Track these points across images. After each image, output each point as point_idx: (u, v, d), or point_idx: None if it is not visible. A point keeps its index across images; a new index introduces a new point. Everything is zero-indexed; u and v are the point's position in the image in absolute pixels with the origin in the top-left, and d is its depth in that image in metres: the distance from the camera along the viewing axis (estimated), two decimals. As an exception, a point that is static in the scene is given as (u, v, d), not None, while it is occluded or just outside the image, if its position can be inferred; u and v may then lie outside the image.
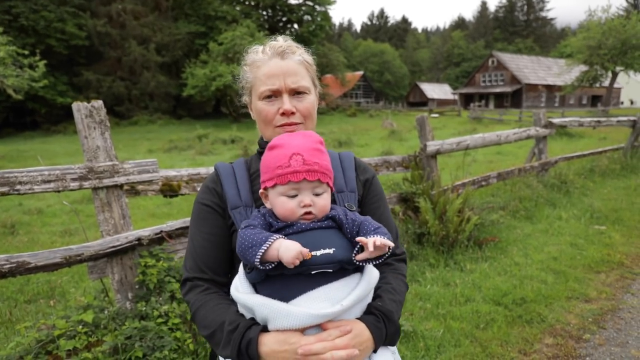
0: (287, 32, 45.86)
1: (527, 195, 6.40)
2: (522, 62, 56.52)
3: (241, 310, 1.06)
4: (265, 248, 0.93)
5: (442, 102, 64.08)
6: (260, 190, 1.08)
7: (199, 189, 1.32)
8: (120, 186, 2.71)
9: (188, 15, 41.20)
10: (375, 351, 1.04)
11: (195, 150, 16.70)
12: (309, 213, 1.02)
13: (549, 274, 4.07)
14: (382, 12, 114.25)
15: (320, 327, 0.96)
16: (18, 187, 2.34)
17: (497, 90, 54.33)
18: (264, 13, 45.96)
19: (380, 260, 1.00)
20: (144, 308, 2.61)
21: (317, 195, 1.03)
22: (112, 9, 38.71)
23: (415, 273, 4.09)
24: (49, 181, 2.44)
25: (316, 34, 45.17)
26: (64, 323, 2.42)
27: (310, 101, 1.21)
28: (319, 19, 45.61)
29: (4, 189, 2.30)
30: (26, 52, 18.23)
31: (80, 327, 2.44)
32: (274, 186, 1.03)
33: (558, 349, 2.90)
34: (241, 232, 1.00)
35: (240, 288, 1.03)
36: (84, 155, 2.61)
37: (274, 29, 44.48)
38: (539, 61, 58.81)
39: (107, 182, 2.61)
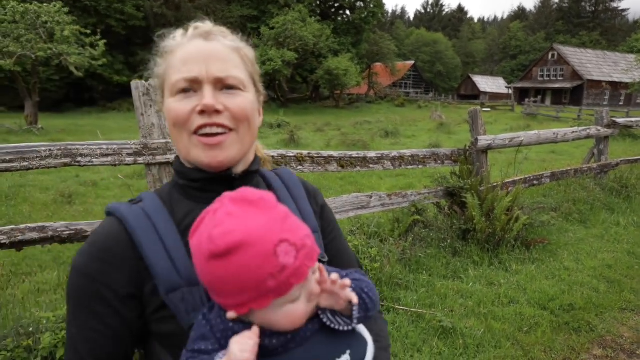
0: (339, 18, 45.49)
1: (583, 197, 6.07)
2: (585, 56, 53.26)
3: None
4: None
5: (494, 96, 61.72)
6: (234, 315, 0.68)
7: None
8: (172, 163, 2.79)
9: (241, -1, 41.74)
10: None
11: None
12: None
13: (602, 282, 3.86)
14: (437, 0, 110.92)
15: None
16: (79, 159, 2.46)
17: (556, 85, 51.58)
18: (317, -2, 45.76)
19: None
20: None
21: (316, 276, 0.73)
22: (169, -9, 39.81)
23: (458, 269, 3.99)
24: (107, 155, 2.55)
25: (368, 21, 44.49)
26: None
27: (247, 100, 0.83)
28: (371, 5, 44.83)
29: (67, 160, 2.43)
30: (88, 32, 19.11)
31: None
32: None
33: (608, 361, 2.75)
34: None
35: None
36: (140, 131, 2.70)
37: (325, 15, 44.22)
38: (605, 56, 55.19)
39: (160, 159, 2.69)
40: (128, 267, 0.76)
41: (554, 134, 6.07)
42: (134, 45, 39.10)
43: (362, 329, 0.81)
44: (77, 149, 2.44)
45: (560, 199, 6.02)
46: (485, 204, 4.47)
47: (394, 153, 4.28)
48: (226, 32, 0.88)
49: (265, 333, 0.69)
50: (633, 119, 8.07)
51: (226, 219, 0.64)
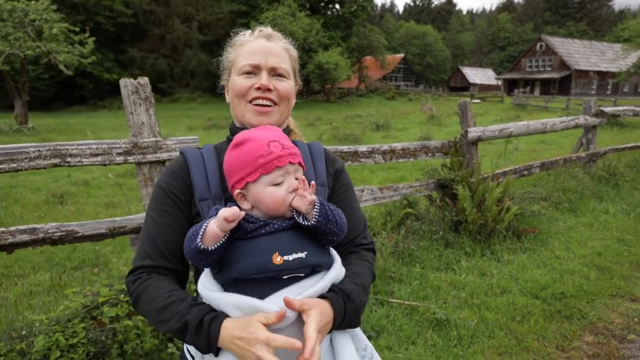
0: (329, 12, 45.29)
1: (572, 186, 6.14)
2: (572, 46, 53.57)
3: (214, 305, 0.99)
4: (204, 228, 0.92)
5: (484, 88, 61.95)
6: (237, 192, 1.00)
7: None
8: (163, 162, 2.78)
9: (230, -6, 41.40)
10: (334, 329, 1.00)
11: (233, 129, 16.93)
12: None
13: (592, 269, 3.91)
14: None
15: (292, 324, 0.92)
16: (69, 159, 2.44)
17: (544, 76, 51.88)
18: (306, -8, 45.47)
19: (315, 217, 0.96)
20: (182, 281, 2.70)
21: (297, 179, 0.99)
22: (157, -13, 39.41)
23: (451, 261, 4.02)
24: (97, 154, 2.53)
25: (357, 14, 44.36)
26: (107, 291, 2.54)
27: (289, 85, 1.18)
28: (360, -1, 44.72)
29: (56, 161, 2.41)
30: (77, 29, 18.90)
31: (122, 295, 2.55)
32: (257, 179, 0.96)
33: (599, 347, 2.80)
34: (189, 230, 0.98)
35: (207, 285, 0.97)
36: (130, 130, 2.69)
37: (315, 9, 44.01)
38: (592, 46, 55.55)
39: (150, 157, 2.68)
40: (184, 182, 1.11)
41: (543, 124, 6.12)
42: (124, 43, 38.73)
43: (335, 254, 1.06)
44: (66, 149, 2.42)
45: (550, 188, 6.09)
46: (476, 195, 4.50)
47: (385, 147, 4.29)
48: (281, 36, 1.24)
49: (246, 218, 0.95)
50: (620, 108, 8.16)
51: (247, 131, 1.05)
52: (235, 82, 1.16)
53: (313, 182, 0.98)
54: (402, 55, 64.81)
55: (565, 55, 50.99)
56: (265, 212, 0.98)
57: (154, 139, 2.70)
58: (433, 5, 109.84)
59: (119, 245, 4.64)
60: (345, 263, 1.12)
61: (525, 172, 5.80)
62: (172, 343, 2.42)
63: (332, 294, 1.00)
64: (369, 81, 50.30)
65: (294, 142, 1.18)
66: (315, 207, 0.96)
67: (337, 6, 45.44)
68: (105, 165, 2.60)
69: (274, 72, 1.15)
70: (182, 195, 1.10)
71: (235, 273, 0.93)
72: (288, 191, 0.96)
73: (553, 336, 2.90)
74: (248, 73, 1.14)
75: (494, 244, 4.35)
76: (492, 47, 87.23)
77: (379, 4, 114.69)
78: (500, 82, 58.69)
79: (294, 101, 1.23)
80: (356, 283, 1.07)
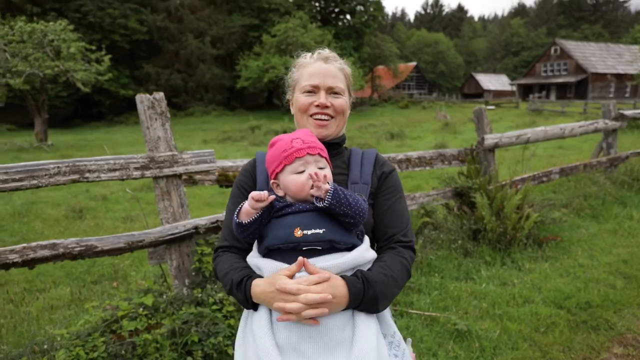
0: (340, 23, 45.61)
1: (593, 192, 6.00)
2: (588, 49, 52.84)
3: (254, 269, 1.24)
4: (240, 207, 1.18)
5: (498, 94, 61.41)
6: (272, 181, 1.24)
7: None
8: (179, 176, 2.80)
9: (242, 8, 42.02)
10: (350, 308, 1.13)
11: (248, 141, 17.07)
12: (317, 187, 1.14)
13: (618, 277, 3.80)
14: (436, 0, 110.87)
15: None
16: (87, 175, 2.47)
17: (560, 80, 51.20)
18: (317, 4, 45.93)
19: (328, 199, 1.12)
20: (199, 295, 2.70)
21: (320, 169, 1.18)
22: (170, 4, 40.26)
23: (470, 271, 3.95)
24: (114, 170, 2.56)
25: (369, 24, 44.58)
26: (126, 305, 2.55)
27: (344, 100, 1.39)
28: (371, 9, 44.93)
29: (75, 177, 2.44)
30: (93, 48, 19.36)
31: (141, 309, 2.56)
32: (283, 169, 1.19)
33: (629, 359, 2.70)
34: None
35: (252, 254, 1.25)
36: (146, 145, 2.71)
37: (326, 20, 44.40)
38: (608, 48, 54.71)
39: (167, 171, 2.70)
40: (251, 178, 1.39)
41: (561, 129, 6.02)
42: (139, 59, 39.51)
43: (366, 240, 1.23)
44: (84, 165, 2.46)
45: (570, 194, 5.96)
46: (495, 203, 4.43)
47: (401, 155, 4.26)
48: (337, 58, 1.43)
49: (277, 199, 1.17)
50: (641, 111, 7.97)
51: (281, 135, 1.26)
52: (298, 99, 1.38)
53: (327, 174, 1.17)
54: (414, 63, 64.76)
55: (580, 58, 50.30)
56: (292, 196, 1.19)
57: (170, 153, 2.72)
58: (444, 13, 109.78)
59: (137, 259, 4.68)
60: (380, 257, 1.26)
61: (544, 179, 5.70)
62: (191, 357, 2.41)
63: (352, 277, 1.13)
64: (382, 90, 50.29)
65: (350, 150, 1.45)
66: (329, 193, 1.11)
67: (348, 17, 45.75)
68: (122, 180, 2.63)
69: (331, 91, 1.36)
70: (250, 188, 1.36)
71: (267, 243, 1.17)
72: (308, 178, 1.14)
73: (579, 348, 2.81)
74: (309, 92, 1.35)
75: (515, 253, 4.27)
76: (506, 53, 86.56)
77: (390, 13, 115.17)
78: (514, 88, 58.10)
79: (348, 112, 1.43)
80: (385, 274, 1.18)
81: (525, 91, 54.40)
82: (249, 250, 1.31)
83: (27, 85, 18.17)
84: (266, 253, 1.19)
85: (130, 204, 7.56)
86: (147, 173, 2.66)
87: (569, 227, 5.04)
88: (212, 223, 2.88)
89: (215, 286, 2.76)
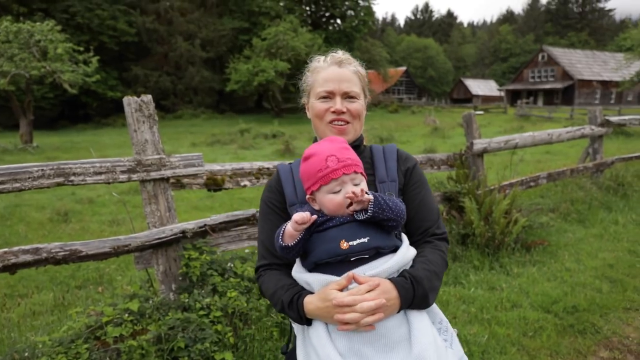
0: (330, 27, 45.76)
1: (580, 197, 6.07)
2: (574, 56, 53.70)
3: (303, 284, 1.25)
4: (283, 230, 1.19)
5: (487, 99, 62.03)
6: (307, 196, 1.24)
7: (244, 183, 1.52)
8: (167, 179, 2.76)
9: (232, 12, 41.93)
10: (403, 309, 1.16)
11: (237, 145, 17.00)
12: (352, 204, 1.15)
13: (604, 282, 3.83)
14: (426, 6, 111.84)
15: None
16: (72, 178, 2.43)
17: (547, 86, 51.93)
18: (307, 8, 46.05)
19: (370, 211, 1.13)
20: (186, 300, 2.66)
21: (356, 185, 1.18)
22: (160, 6, 40.00)
23: (459, 275, 3.96)
24: (100, 173, 2.51)
25: (359, 29, 44.81)
26: (111, 310, 2.50)
27: (360, 104, 1.38)
28: (362, 14, 45.18)
29: (60, 180, 2.39)
30: (81, 49, 19.15)
31: (127, 315, 2.51)
32: (319, 188, 1.18)
33: (614, 363, 2.72)
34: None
35: (297, 269, 1.25)
36: (133, 148, 2.67)
37: (316, 25, 44.51)
38: (594, 55, 55.67)
39: (154, 175, 2.66)
40: (279, 193, 1.38)
41: (549, 134, 6.08)
42: (127, 61, 39.17)
43: (404, 239, 1.26)
44: (69, 168, 2.41)
45: (557, 199, 6.02)
46: (483, 208, 4.45)
47: (390, 160, 4.26)
48: (351, 60, 1.41)
49: (319, 215, 1.18)
50: (626, 117, 8.11)
51: (314, 145, 1.26)
52: (314, 106, 1.38)
53: (363, 188, 1.17)
54: (404, 68, 65.15)
55: (567, 65, 51.09)
56: (328, 213, 1.19)
57: (157, 156, 2.69)
58: (434, 19, 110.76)
59: (123, 263, 4.61)
60: (420, 252, 1.28)
61: (532, 184, 5.75)
62: (177, 364, 2.36)
63: (400, 278, 1.16)
64: (372, 95, 50.35)
65: (370, 147, 1.46)
66: (370, 203, 1.13)
67: (339, 21, 45.95)
68: (109, 183, 2.58)
69: (346, 96, 1.35)
70: (279, 204, 1.37)
71: (313, 258, 1.17)
72: (345, 197, 1.15)
73: (567, 352, 2.83)
74: (324, 97, 1.35)
75: (503, 257, 4.29)
76: (494, 59, 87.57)
77: (380, 18, 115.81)
78: (503, 93, 58.77)
79: (365, 114, 1.43)
80: (428, 270, 1.21)
81: (514, 97, 55.04)
82: (289, 264, 1.32)
83: (13, 85, 17.90)
84: (313, 267, 1.20)
85: (116, 208, 7.46)
86: (134, 176, 2.62)
87: (556, 231, 5.09)
88: (200, 227, 2.85)
89: (203, 291, 2.73)
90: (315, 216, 1.16)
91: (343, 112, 1.34)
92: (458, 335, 2.89)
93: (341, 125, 1.35)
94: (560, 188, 6.42)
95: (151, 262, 2.81)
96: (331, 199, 1.17)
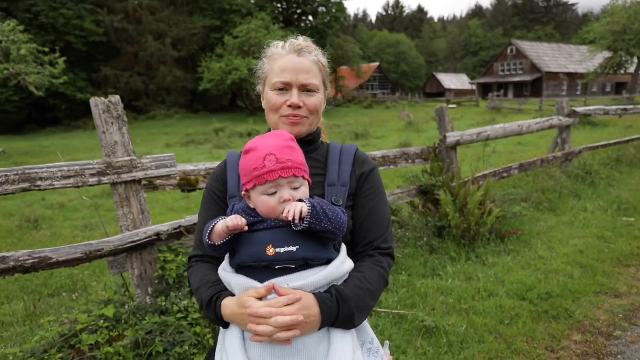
0: (302, 24, 45.63)
1: (551, 186, 6.24)
2: (542, 50, 55.14)
3: (225, 284, 1.18)
4: (211, 227, 1.11)
5: (459, 93, 63.07)
6: (243, 193, 1.16)
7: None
8: (139, 181, 2.70)
9: (203, 10, 41.30)
10: (326, 327, 1.09)
11: (212, 144, 16.79)
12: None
13: (576, 268, 3.95)
14: (397, 2, 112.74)
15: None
16: (39, 183, 2.35)
17: (517, 79, 53.19)
18: (279, 5, 45.75)
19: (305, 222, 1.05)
20: (163, 303, 2.61)
21: (295, 189, 1.10)
22: (128, 5, 39.07)
23: (437, 267, 4.01)
24: (69, 177, 2.44)
25: (331, 25, 44.82)
26: (86, 318, 2.44)
27: (319, 99, 1.27)
28: (333, 10, 45.20)
29: (25, 185, 2.31)
30: (46, 50, 18.53)
31: (102, 321, 2.45)
32: (253, 188, 1.10)
33: (587, 346, 2.80)
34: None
35: (225, 267, 1.18)
36: (102, 150, 2.60)
37: (289, 22, 44.31)
38: (560, 49, 57.29)
39: (125, 177, 2.60)
40: (222, 182, 1.31)
41: (519, 126, 6.23)
42: (96, 62, 38.14)
43: (342, 251, 1.16)
44: (35, 172, 2.33)
45: (529, 189, 6.17)
46: (458, 200, 4.52)
47: (366, 155, 4.28)
48: (312, 48, 1.29)
49: (250, 215, 1.11)
50: (591, 108, 8.38)
51: (258, 138, 1.16)
52: (269, 98, 1.27)
53: (303, 194, 1.11)
54: (377, 64, 65.59)
55: (535, 58, 52.42)
56: (261, 215, 1.12)
57: (128, 158, 2.62)
58: (405, 14, 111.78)
59: (98, 268, 4.49)
60: (358, 266, 1.20)
61: (504, 175, 5.87)
62: (156, 369, 2.32)
63: (325, 294, 1.09)
64: (346, 91, 50.67)
65: (327, 146, 1.36)
66: (307, 213, 1.04)
67: (311, 18, 45.86)
68: (78, 187, 2.51)
69: (304, 88, 1.24)
70: (221, 194, 1.30)
71: (237, 260, 1.11)
72: (279, 201, 1.08)
73: (542, 337, 2.90)
74: (280, 89, 1.24)
75: (479, 248, 4.37)
76: (465, 53, 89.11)
77: (352, 15, 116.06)
78: (474, 87, 59.86)
79: (324, 108, 1.33)
80: (361, 287, 1.14)
81: (485, 90, 56.17)
82: (223, 259, 1.25)
83: (-26, 89, 17.23)
84: (239, 268, 1.13)
85: (89, 212, 7.27)
86: (105, 179, 2.55)
87: (529, 220, 5.21)
88: (175, 229, 2.80)
89: (180, 294, 2.68)
90: (246, 227, 1.08)
91: (300, 107, 1.23)
92: (435, 327, 2.94)
93: (296, 119, 1.24)
94: (531, 178, 6.58)
95: (126, 266, 2.74)
96: (264, 202, 1.09)
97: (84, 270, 4.44)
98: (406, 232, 4.47)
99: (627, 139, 9.19)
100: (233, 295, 1.13)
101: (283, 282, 1.06)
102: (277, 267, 1.07)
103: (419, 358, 2.69)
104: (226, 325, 1.13)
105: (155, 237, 2.70)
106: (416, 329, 2.99)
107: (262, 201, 1.09)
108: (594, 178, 6.85)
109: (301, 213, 1.04)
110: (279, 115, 1.25)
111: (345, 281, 1.14)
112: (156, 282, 2.75)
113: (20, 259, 2.30)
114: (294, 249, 1.06)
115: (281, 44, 1.29)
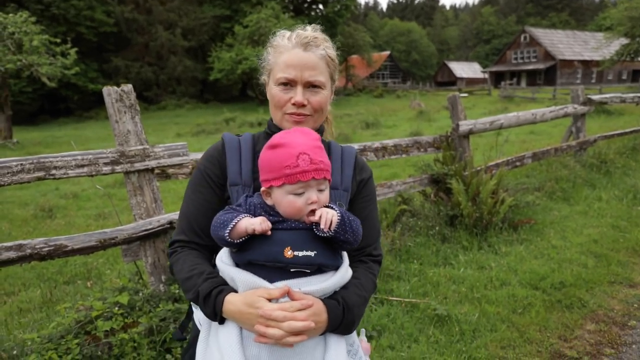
0: (312, 13, 45.26)
1: (564, 175, 6.15)
2: (556, 37, 54.05)
3: (226, 278, 1.13)
4: (234, 223, 1.04)
5: (471, 81, 62.30)
6: (263, 189, 1.11)
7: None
8: (152, 170, 2.72)
9: (213, -1, 41.16)
10: (327, 332, 1.09)
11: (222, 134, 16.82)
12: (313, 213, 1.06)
13: (590, 257, 3.91)
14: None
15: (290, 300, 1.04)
16: (53, 171, 2.37)
17: (530, 67, 52.30)
18: (289, -6, 45.39)
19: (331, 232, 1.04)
20: (177, 291, 2.64)
21: (320, 191, 1.08)
22: (138, -5, 39.08)
23: (448, 256, 4.00)
24: (82, 165, 2.46)
25: (341, 14, 44.36)
26: (101, 305, 2.47)
27: (324, 96, 1.24)
28: (344, -2, 44.71)
29: (40, 174, 2.33)
30: (58, 41, 18.62)
31: (117, 308, 2.49)
32: (281, 185, 1.05)
33: (601, 335, 2.78)
34: (218, 214, 1.10)
35: (225, 260, 1.11)
36: (115, 139, 2.62)
37: (299, 10, 43.95)
38: (575, 35, 56.10)
39: (138, 166, 2.62)
40: (219, 166, 1.23)
41: (533, 114, 6.13)
42: (107, 52, 38.32)
43: (345, 258, 1.16)
44: (50, 161, 2.35)
45: (542, 178, 6.10)
46: (471, 189, 4.48)
47: (377, 144, 4.26)
48: (319, 40, 1.23)
49: (268, 211, 1.08)
50: (607, 95, 8.21)
51: (285, 133, 1.11)
52: (273, 93, 1.23)
53: (326, 198, 1.09)
54: (388, 52, 65.00)
55: (549, 45, 51.43)
56: (283, 214, 1.08)
57: (141, 147, 2.64)
58: (416, 2, 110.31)
59: (112, 256, 4.55)
60: (354, 271, 1.19)
61: (517, 163, 5.80)
62: (170, 354, 2.35)
63: (333, 301, 1.08)
64: (357, 80, 50.34)
65: (329, 145, 1.32)
66: (337, 223, 1.04)
67: (321, 6, 45.42)
68: (92, 176, 2.53)
69: (310, 84, 1.20)
70: (217, 178, 1.22)
71: (250, 256, 1.06)
72: (306, 203, 1.05)
73: (555, 326, 2.88)
74: (284, 84, 1.21)
75: (491, 237, 4.34)
76: (477, 41, 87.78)
77: (363, 3, 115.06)
78: (486, 75, 59.06)
79: (329, 105, 1.30)
80: (359, 296, 1.15)
81: (497, 78, 55.34)
82: (210, 247, 1.20)
83: (-12, 80, 17.42)
84: (246, 264, 1.08)
85: (102, 201, 7.36)
86: (118, 168, 2.57)
87: (542, 210, 5.16)
88: (188, 217, 2.81)
89: (193, 281, 2.71)
90: (270, 232, 1.05)
91: (304, 105, 1.20)
92: (447, 316, 2.94)
93: (299, 117, 1.22)
94: (545, 167, 6.49)
95: (139, 254, 2.77)
96: (291, 202, 1.05)
97: (98, 259, 4.50)
98: (418, 221, 4.45)
99: (643, 127, 9.00)
100: (234, 291, 1.07)
101: (295, 285, 1.04)
102: (292, 270, 1.05)
103: (431, 346, 2.69)
104: (222, 321, 1.07)
105: (168, 226, 2.72)
106: (428, 317, 2.99)
107: (289, 201, 1.05)
108: (609, 167, 6.74)
109: (329, 220, 1.03)
110: (283, 113, 1.22)
111: (345, 287, 1.14)
112: (169, 269, 2.78)
113: (37, 246, 2.33)
114: (311, 253, 1.04)
115: (288, 34, 1.25)
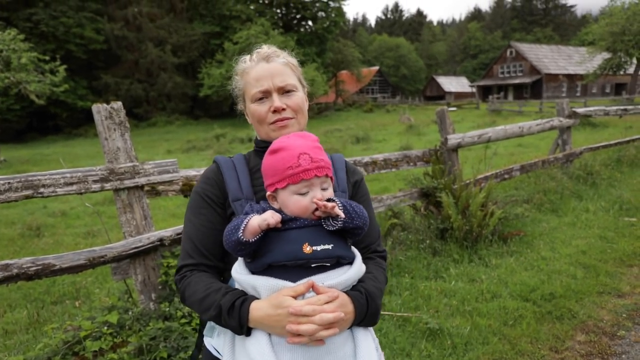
0: (302, 29, 45.79)
1: (552, 187, 6.23)
2: (541, 51, 55.22)
3: (246, 287, 1.13)
4: (246, 222, 1.05)
5: (459, 95, 63.15)
6: (268, 193, 1.14)
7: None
8: (141, 187, 2.71)
9: (203, 16, 41.53)
10: (354, 325, 1.11)
11: (213, 150, 16.83)
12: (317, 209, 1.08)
13: (578, 268, 3.94)
14: (396, 5, 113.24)
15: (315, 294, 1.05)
16: (41, 190, 2.36)
17: (516, 81, 53.24)
18: (278, 11, 45.95)
19: (337, 223, 1.07)
20: (167, 309, 2.61)
21: (324, 189, 1.11)
22: (128, 13, 39.30)
23: (439, 269, 4.01)
24: (71, 183, 2.45)
25: (330, 30, 44.97)
26: (89, 324, 2.44)
27: (299, 97, 1.28)
28: (333, 15, 45.36)
29: (28, 192, 2.32)
30: (47, 58, 18.59)
31: (106, 328, 2.45)
32: (285, 187, 1.08)
33: (591, 346, 2.80)
34: (228, 225, 1.10)
35: (240, 271, 1.11)
36: (105, 156, 2.62)
37: (288, 27, 44.45)
38: (559, 50, 57.37)
39: (128, 183, 2.61)
40: (218, 186, 1.25)
41: (520, 127, 6.23)
42: (97, 69, 38.31)
43: (355, 250, 1.18)
44: (38, 179, 2.34)
45: (531, 190, 6.17)
46: (460, 202, 4.52)
47: (367, 158, 4.29)
48: (278, 52, 1.31)
49: (279, 212, 1.08)
50: (592, 108, 8.38)
51: (284, 138, 1.15)
52: (252, 110, 1.27)
53: (330, 194, 1.12)
54: (377, 67, 65.74)
55: (534, 60, 52.49)
56: (290, 215, 1.10)
57: (130, 164, 2.63)
58: (404, 18, 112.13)
59: (101, 275, 4.50)
60: (367, 268, 1.21)
61: (506, 176, 5.87)
62: (160, 374, 2.32)
63: (356, 292, 1.11)
64: (346, 95, 50.79)
65: None
66: (340, 217, 1.07)
67: (310, 22, 46.01)
68: (81, 194, 2.52)
69: (283, 90, 1.25)
70: (216, 198, 1.24)
71: (269, 259, 1.06)
72: (311, 201, 1.07)
73: (546, 338, 2.89)
74: (260, 99, 1.25)
75: (481, 249, 4.36)
76: (464, 56, 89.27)
77: (351, 19, 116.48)
78: (474, 89, 59.93)
79: (307, 105, 1.33)
80: (376, 287, 1.18)
81: (485, 92, 56.19)
82: (219, 267, 1.22)
83: (-25, 98, 17.29)
84: (265, 269, 1.08)
85: (91, 219, 7.28)
86: (107, 185, 2.56)
87: (531, 221, 5.21)
88: (178, 234, 2.80)
89: (183, 299, 2.69)
90: (279, 222, 1.07)
91: (284, 109, 1.24)
92: (439, 329, 2.94)
93: (283, 122, 1.25)
94: (533, 179, 6.58)
95: (129, 272, 2.75)
96: (297, 201, 1.08)
97: (86, 277, 4.44)
98: (408, 235, 4.46)
99: (627, 139, 9.18)
100: (257, 299, 1.07)
101: (317, 280, 1.05)
102: (313, 265, 1.06)
103: (423, 360, 2.68)
104: (248, 332, 1.07)
105: (159, 243, 2.70)
106: (420, 331, 2.98)
107: (294, 200, 1.08)
108: (595, 178, 6.85)
109: (335, 213, 1.06)
110: (267, 124, 1.26)
111: (361, 280, 1.16)
112: (159, 287, 2.76)
113: (24, 266, 2.30)
114: (329, 246, 1.07)
115: (247, 56, 1.32)
